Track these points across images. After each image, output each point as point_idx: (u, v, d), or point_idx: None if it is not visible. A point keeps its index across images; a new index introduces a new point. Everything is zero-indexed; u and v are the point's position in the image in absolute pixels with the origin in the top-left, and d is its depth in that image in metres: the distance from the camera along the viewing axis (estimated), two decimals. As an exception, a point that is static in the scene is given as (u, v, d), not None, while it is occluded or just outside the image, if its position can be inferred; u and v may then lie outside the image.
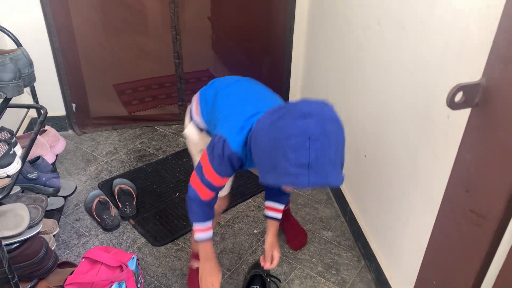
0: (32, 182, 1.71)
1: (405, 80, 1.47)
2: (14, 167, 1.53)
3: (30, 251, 1.59)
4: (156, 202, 2.18)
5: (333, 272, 1.85)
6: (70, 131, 2.71)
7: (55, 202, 2.00)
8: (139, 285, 1.68)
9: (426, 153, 1.36)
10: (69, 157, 2.49)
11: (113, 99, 2.76)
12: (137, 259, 1.65)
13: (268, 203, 1.59)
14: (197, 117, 1.54)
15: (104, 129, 2.74)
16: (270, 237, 1.56)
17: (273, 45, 2.70)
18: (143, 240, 1.98)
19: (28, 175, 1.69)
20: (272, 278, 1.73)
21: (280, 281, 1.75)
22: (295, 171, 1.03)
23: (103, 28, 2.46)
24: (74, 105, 2.62)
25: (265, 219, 1.59)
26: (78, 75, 2.56)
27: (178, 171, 2.40)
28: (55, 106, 2.59)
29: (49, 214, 1.96)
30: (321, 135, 1.01)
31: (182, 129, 1.50)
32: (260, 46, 2.77)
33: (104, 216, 2.05)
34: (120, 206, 2.13)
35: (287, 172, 1.04)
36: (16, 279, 1.56)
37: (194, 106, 1.56)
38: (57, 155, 1.97)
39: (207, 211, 1.42)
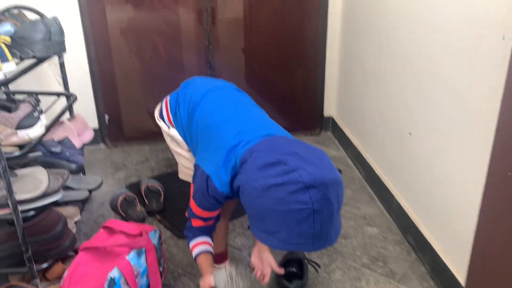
0: (55, 156, 1.64)
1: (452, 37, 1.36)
2: (37, 131, 1.48)
3: (46, 222, 1.48)
4: (185, 201, 2.03)
5: (379, 264, 1.62)
6: (102, 145, 2.68)
7: (78, 195, 1.91)
8: (161, 269, 1.51)
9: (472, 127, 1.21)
10: (98, 165, 2.43)
11: (146, 112, 2.73)
12: (160, 236, 1.50)
13: None
14: (172, 128, 1.49)
15: (136, 142, 2.69)
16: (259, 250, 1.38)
17: (307, 55, 2.67)
18: (168, 233, 1.83)
19: (52, 148, 1.63)
20: (311, 263, 1.52)
21: (319, 267, 1.54)
22: (299, 241, 0.98)
23: (138, 39, 2.51)
24: (107, 116, 2.61)
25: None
26: (112, 86, 2.58)
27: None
28: (88, 118, 2.57)
29: (72, 204, 1.86)
30: (325, 205, 0.94)
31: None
32: (293, 62, 2.73)
33: (129, 211, 1.93)
34: (147, 203, 2.01)
35: (290, 241, 0.99)
36: (29, 253, 1.44)
37: (165, 112, 1.50)
38: (84, 145, 1.91)
39: (200, 232, 1.33)
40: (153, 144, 2.68)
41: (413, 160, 1.69)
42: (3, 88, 1.80)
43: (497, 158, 1.15)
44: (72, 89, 1.99)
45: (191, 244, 1.33)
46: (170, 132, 1.49)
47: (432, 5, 1.47)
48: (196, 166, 1.24)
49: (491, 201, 1.19)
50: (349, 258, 1.65)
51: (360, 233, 1.80)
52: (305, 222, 0.95)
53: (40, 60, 1.52)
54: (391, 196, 1.87)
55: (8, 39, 1.39)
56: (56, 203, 1.77)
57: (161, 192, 2.06)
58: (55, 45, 1.55)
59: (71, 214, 1.74)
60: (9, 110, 1.46)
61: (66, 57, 2.06)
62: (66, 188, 1.96)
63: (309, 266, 1.54)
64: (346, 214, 1.93)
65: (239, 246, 1.74)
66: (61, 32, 1.58)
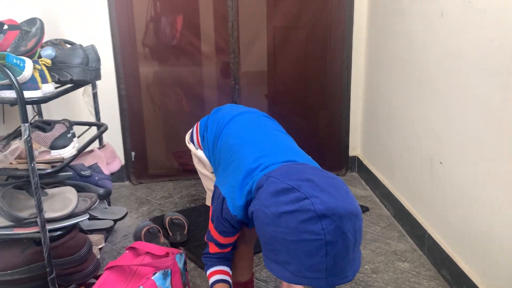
0: (85, 180, 1.65)
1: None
2: (69, 151, 1.51)
3: (73, 244, 1.46)
4: (209, 234, 2.01)
5: (414, 299, 1.53)
6: (127, 182, 2.70)
7: (103, 224, 1.90)
8: (185, 296, 1.46)
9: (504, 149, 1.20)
10: (122, 201, 2.44)
11: (170, 149, 2.76)
12: (185, 261, 1.46)
13: None
14: (200, 150, 1.50)
15: (160, 179, 2.70)
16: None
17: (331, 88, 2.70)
18: (192, 265, 1.79)
19: (81, 171, 1.64)
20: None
21: (350, 297, 1.47)
22: (311, 275, 0.91)
23: (166, 78, 2.59)
24: (133, 153, 2.64)
25: None
26: (140, 123, 2.63)
27: (233, 210, 2.25)
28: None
29: (96, 232, 1.85)
30: (339, 238, 0.88)
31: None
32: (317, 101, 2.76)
33: (152, 243, 1.89)
34: (170, 235, 1.98)
35: (302, 275, 0.92)
36: (53, 275, 1.42)
37: (195, 134, 1.52)
38: (112, 174, 1.93)
39: (217, 260, 1.28)
40: (177, 181, 2.68)
41: (445, 190, 1.64)
42: (38, 116, 1.86)
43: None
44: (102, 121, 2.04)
45: (208, 272, 1.28)
46: (197, 154, 1.50)
47: (457, 31, 1.49)
48: (215, 187, 1.21)
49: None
50: (381, 292, 1.57)
51: (391, 268, 1.72)
52: (317, 254, 0.88)
53: (76, 85, 1.57)
54: (423, 231, 1.80)
55: (49, 61, 1.45)
56: (81, 231, 1.76)
57: (185, 224, 2.03)
58: (91, 71, 1.61)
59: (96, 241, 1.72)
60: (44, 131, 1.50)
61: (98, 94, 2.14)
62: (91, 218, 1.95)
63: (340, 298, 1.47)
64: (376, 249, 1.86)
65: (265, 278, 1.68)
66: (97, 60, 1.64)
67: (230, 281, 1.28)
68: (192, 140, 1.54)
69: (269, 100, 2.74)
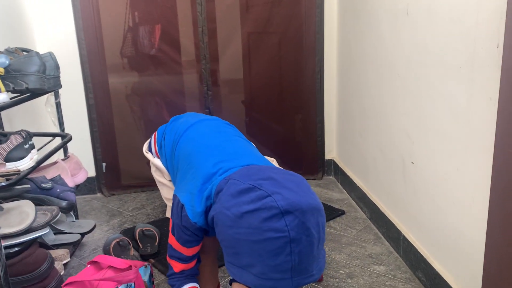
0: (46, 193, 1.58)
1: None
2: (27, 163, 1.44)
3: (31, 260, 1.39)
4: (181, 244, 1.95)
5: (390, 302, 1.50)
6: (99, 194, 2.62)
7: (70, 238, 1.82)
8: (153, 310, 1.40)
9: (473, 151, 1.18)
10: (93, 213, 2.36)
11: (143, 160, 2.69)
12: (151, 273, 1.40)
13: None
14: (158, 159, 1.46)
15: (133, 190, 2.63)
16: None
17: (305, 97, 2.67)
18: (163, 277, 1.72)
19: (42, 184, 1.57)
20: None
21: (323, 304, 1.42)
22: (276, 276, 0.88)
23: (144, 88, 2.54)
24: (104, 164, 2.57)
25: None
26: (110, 133, 2.56)
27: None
28: (85, 166, 2.54)
29: (63, 246, 1.78)
30: (302, 234, 0.86)
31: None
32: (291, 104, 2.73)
33: (122, 256, 1.83)
34: (141, 247, 1.91)
35: (266, 276, 0.89)
36: (11, 294, 1.34)
37: (153, 143, 1.49)
38: (77, 186, 1.86)
39: (184, 278, 1.21)
40: (151, 192, 2.62)
41: (417, 190, 1.62)
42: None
43: (499, 172, 1.09)
44: (70, 133, 1.98)
45: None
46: (154, 162, 1.45)
47: (422, 28, 1.48)
48: (174, 197, 1.16)
49: (496, 220, 1.11)
50: (356, 297, 1.53)
51: (367, 272, 1.68)
52: (282, 253, 0.85)
53: (33, 94, 1.51)
54: (398, 233, 1.78)
55: (1, 70, 1.39)
56: (46, 247, 1.69)
57: (157, 236, 1.97)
58: (50, 80, 1.55)
59: (60, 256, 1.65)
60: (-2, 142, 1.44)
61: (65, 104, 2.07)
62: (58, 232, 1.88)
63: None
64: (351, 253, 1.82)
65: None
66: (56, 67, 1.59)
67: None
68: (150, 150, 1.50)
69: (246, 106, 2.70)
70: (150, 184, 2.65)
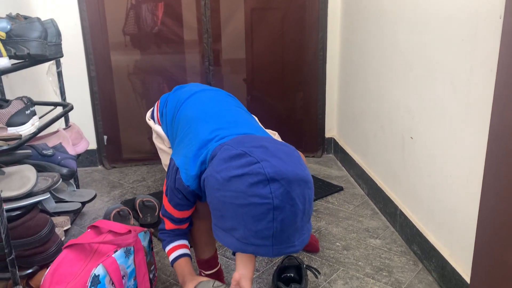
0: (47, 159, 1.60)
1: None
2: (28, 129, 1.45)
3: (32, 224, 1.41)
4: (180, 215, 1.97)
5: (384, 274, 1.52)
6: (100, 167, 2.64)
7: (70, 206, 1.85)
8: (151, 276, 1.42)
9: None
10: (94, 185, 2.38)
11: (145, 134, 2.70)
12: (151, 239, 1.42)
13: None
14: (159, 126, 1.48)
15: (134, 164, 2.65)
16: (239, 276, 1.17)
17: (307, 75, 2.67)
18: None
19: (43, 151, 1.59)
20: (310, 269, 1.43)
21: (319, 273, 1.44)
22: (257, 242, 0.89)
23: (147, 66, 2.53)
24: (105, 137, 2.58)
25: None
26: (111, 106, 2.57)
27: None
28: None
29: (63, 214, 1.80)
30: (286, 203, 0.87)
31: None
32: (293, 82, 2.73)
33: (122, 225, 1.85)
34: (141, 217, 1.94)
35: (248, 241, 0.90)
36: (13, 256, 1.37)
37: (156, 110, 1.50)
38: (78, 156, 1.87)
39: (174, 235, 1.26)
40: (151, 166, 2.64)
41: (415, 166, 1.63)
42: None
43: (493, 148, 1.09)
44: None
45: (167, 249, 1.26)
46: (155, 128, 1.47)
47: (428, 0, 1.47)
48: (170, 160, 1.18)
49: (489, 194, 1.12)
50: (352, 268, 1.56)
51: (362, 245, 1.71)
52: (264, 219, 0.87)
53: (35, 60, 1.51)
54: (395, 208, 1.79)
55: (3, 34, 1.39)
56: (47, 214, 1.71)
57: (157, 206, 1.99)
58: (51, 47, 1.55)
59: (61, 222, 1.67)
60: (0, 107, 1.44)
61: (66, 74, 2.07)
62: (58, 200, 1.90)
63: (309, 274, 1.45)
64: (348, 227, 1.84)
65: (234, 257, 1.65)
66: (58, 34, 1.58)
67: (190, 254, 1.26)
68: (152, 117, 1.51)
69: (247, 83, 2.69)
70: (151, 158, 2.67)
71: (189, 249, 1.28)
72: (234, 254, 1.22)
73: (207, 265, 1.37)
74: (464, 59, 1.27)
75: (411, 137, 1.65)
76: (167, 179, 1.17)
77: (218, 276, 1.40)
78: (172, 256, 1.24)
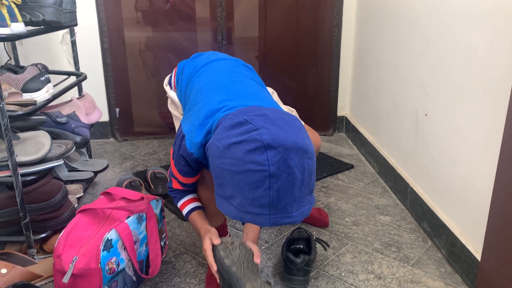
0: (61, 127, 1.61)
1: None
2: (42, 95, 1.46)
3: (46, 189, 1.44)
4: (191, 188, 1.99)
5: (393, 249, 1.53)
6: (112, 139, 2.66)
7: (83, 175, 1.87)
8: (162, 243, 1.44)
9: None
10: (106, 156, 2.40)
11: (157, 108, 2.71)
12: (162, 208, 1.44)
13: None
14: (174, 92, 1.48)
15: (146, 137, 2.67)
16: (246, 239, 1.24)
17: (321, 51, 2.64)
18: (173, 216, 1.77)
19: (57, 118, 1.60)
20: (320, 241, 1.44)
21: (328, 246, 1.45)
22: (254, 210, 0.89)
23: (160, 42, 2.53)
24: (117, 109, 2.59)
25: None
26: (124, 79, 2.57)
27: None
28: (99, 110, 2.57)
29: (76, 183, 1.82)
30: (283, 172, 0.86)
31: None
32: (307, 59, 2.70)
33: (133, 195, 1.87)
34: (152, 188, 1.96)
35: (245, 209, 0.90)
36: (27, 220, 1.40)
37: (173, 78, 1.50)
38: (92, 125, 1.88)
39: (183, 192, 1.29)
40: (163, 139, 2.65)
41: (429, 143, 1.61)
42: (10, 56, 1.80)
43: (511, 125, 1.08)
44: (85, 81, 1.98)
45: (179, 203, 1.29)
46: (170, 94, 1.48)
47: (449, -24, 1.44)
48: (179, 126, 1.20)
49: (505, 170, 1.11)
50: (360, 243, 1.56)
51: (372, 221, 1.71)
52: (261, 187, 0.86)
53: (50, 27, 1.51)
54: (406, 185, 1.79)
55: (18, -1, 1.39)
56: (60, 181, 1.74)
57: (168, 178, 2.01)
58: (66, 14, 1.55)
59: (74, 189, 1.70)
60: (15, 73, 1.45)
61: (79, 45, 2.06)
62: (71, 169, 1.93)
63: (318, 247, 1.46)
64: (358, 204, 1.85)
65: (241, 228, 1.66)
66: (73, 2, 1.58)
67: (201, 206, 1.29)
68: (170, 83, 1.51)
69: (260, 60, 2.67)
70: (162, 132, 2.68)
71: (199, 202, 1.30)
72: (243, 224, 1.23)
73: (220, 232, 1.39)
74: (483, 36, 1.24)
75: (426, 114, 1.63)
76: (173, 144, 1.18)
77: None
78: (185, 210, 1.27)
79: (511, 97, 1.09)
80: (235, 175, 0.89)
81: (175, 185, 1.26)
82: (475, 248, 1.31)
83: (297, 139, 0.89)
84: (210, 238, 1.17)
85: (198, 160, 1.13)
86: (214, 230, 1.20)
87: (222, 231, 1.40)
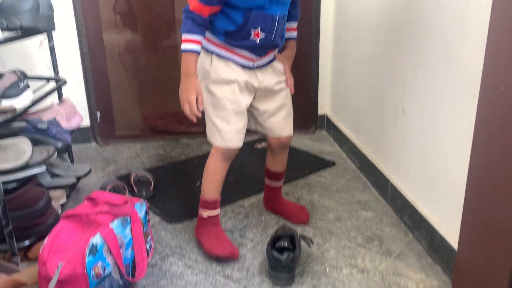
0: (41, 133, 1.60)
1: None
2: (22, 101, 1.45)
3: (29, 196, 1.43)
4: (175, 190, 1.99)
5: (375, 243, 1.56)
6: (93, 143, 2.64)
7: (66, 181, 1.86)
8: (148, 246, 1.44)
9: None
10: (88, 161, 2.39)
11: (138, 110, 2.71)
12: (147, 211, 1.44)
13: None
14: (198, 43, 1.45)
15: (128, 141, 2.66)
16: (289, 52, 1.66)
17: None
18: (157, 218, 1.77)
19: (38, 124, 1.59)
20: (304, 238, 1.46)
21: (312, 242, 1.48)
22: None
23: (129, 34, 2.52)
24: (98, 113, 2.58)
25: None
26: (104, 82, 2.56)
27: (201, 167, 2.23)
28: (80, 115, 2.55)
29: (58, 188, 1.81)
30: None
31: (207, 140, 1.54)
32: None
33: (117, 199, 1.87)
34: (136, 191, 1.96)
35: None
36: (10, 228, 1.38)
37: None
38: (72, 131, 1.87)
39: (197, 26, 1.29)
40: (145, 142, 2.65)
41: (407, 138, 1.65)
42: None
43: (482, 116, 1.12)
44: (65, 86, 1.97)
45: (186, 35, 1.29)
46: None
47: (421, -24, 1.48)
48: None
49: (477, 160, 1.15)
50: (343, 238, 1.60)
51: (354, 216, 1.75)
52: None
53: (27, 33, 1.50)
54: (386, 181, 1.83)
55: (-6, 6, 1.38)
56: (41, 186, 1.72)
57: (151, 181, 2.01)
58: (43, 19, 1.54)
59: (56, 195, 1.69)
60: (-6, 80, 1.44)
61: (58, 50, 2.05)
62: (54, 175, 1.91)
63: (302, 243, 1.49)
64: (340, 200, 1.88)
65: (230, 228, 1.68)
66: (49, 6, 1.57)
67: (200, 52, 1.33)
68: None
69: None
70: (144, 135, 2.67)
71: (201, 44, 1.32)
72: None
73: (212, 206, 1.50)
74: (456, 29, 1.28)
75: (403, 110, 1.67)
76: None
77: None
78: (187, 46, 1.29)
79: (480, 92, 1.12)
80: None
81: (194, 6, 1.25)
82: (454, 239, 1.35)
83: None
84: (197, 92, 1.30)
85: None
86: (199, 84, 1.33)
87: (216, 205, 1.52)
